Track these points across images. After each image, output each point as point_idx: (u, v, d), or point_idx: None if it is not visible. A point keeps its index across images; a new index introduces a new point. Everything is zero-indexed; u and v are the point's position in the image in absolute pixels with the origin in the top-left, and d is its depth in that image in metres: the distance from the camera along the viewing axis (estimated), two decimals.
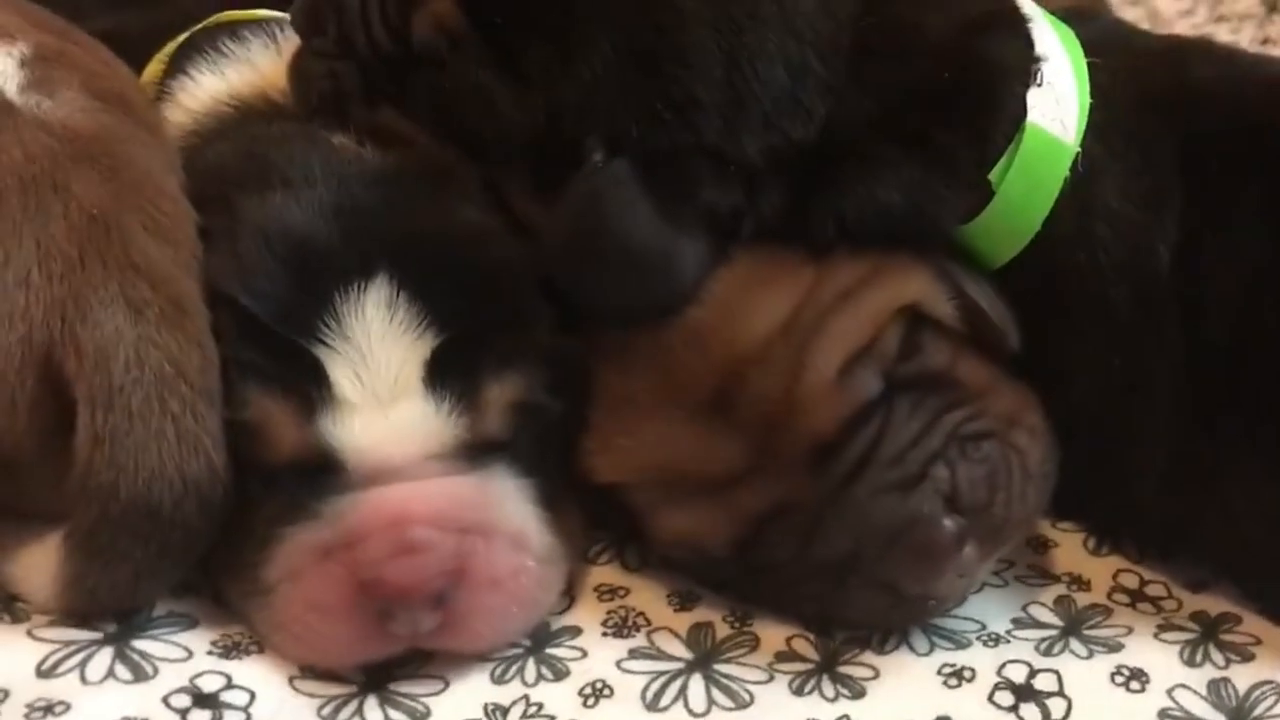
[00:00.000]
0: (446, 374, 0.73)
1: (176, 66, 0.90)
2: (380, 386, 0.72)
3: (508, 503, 0.75)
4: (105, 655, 0.73)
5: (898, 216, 0.77)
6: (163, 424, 0.70)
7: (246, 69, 0.88)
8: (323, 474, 0.72)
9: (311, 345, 0.72)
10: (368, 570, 0.70)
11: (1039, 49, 0.79)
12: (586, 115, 0.75)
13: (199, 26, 0.92)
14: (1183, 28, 1.69)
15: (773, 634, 0.79)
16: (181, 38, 0.92)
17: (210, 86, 0.87)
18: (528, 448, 0.76)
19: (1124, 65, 0.83)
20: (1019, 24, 0.80)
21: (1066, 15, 0.86)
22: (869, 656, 0.77)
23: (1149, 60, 0.84)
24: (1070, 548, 0.86)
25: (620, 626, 0.79)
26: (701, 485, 0.76)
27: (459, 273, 0.75)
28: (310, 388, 0.72)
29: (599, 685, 0.75)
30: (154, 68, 0.92)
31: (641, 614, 0.80)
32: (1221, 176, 0.79)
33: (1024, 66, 0.79)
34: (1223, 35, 1.63)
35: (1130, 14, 1.62)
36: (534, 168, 0.77)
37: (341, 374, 0.72)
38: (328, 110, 0.82)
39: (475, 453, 0.74)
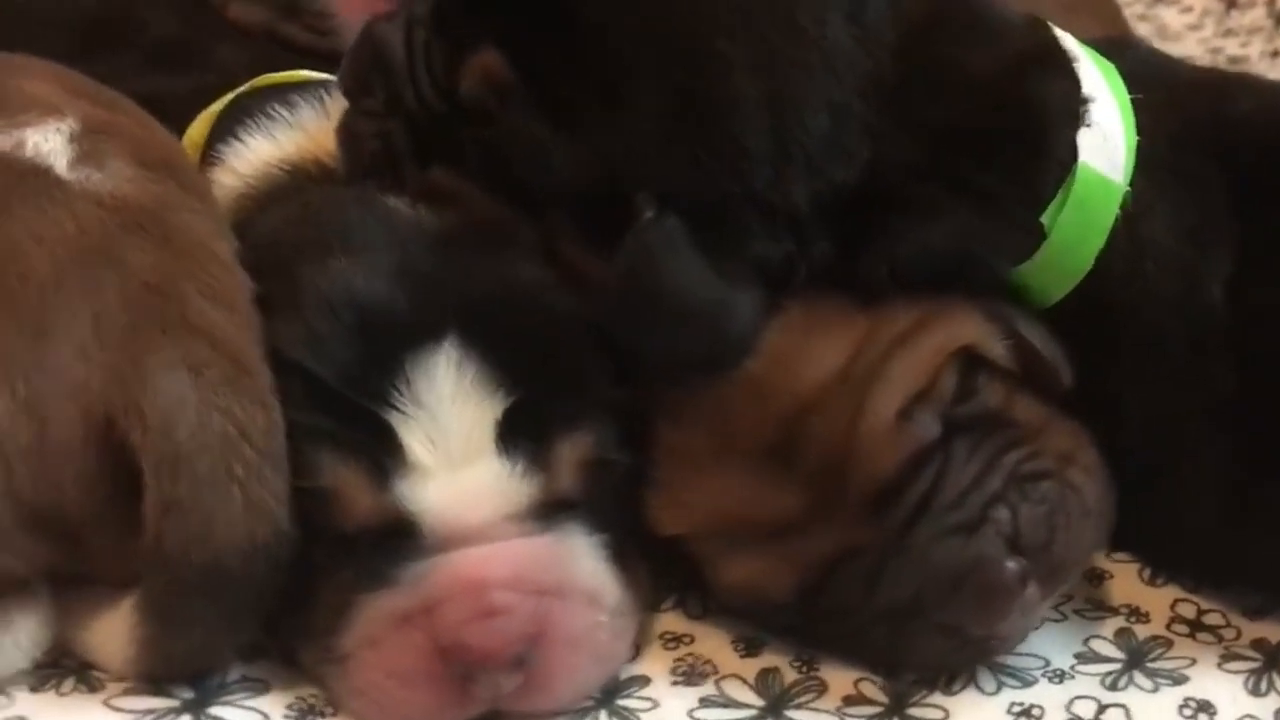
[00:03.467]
0: (517, 434, 0.73)
1: (224, 129, 0.90)
2: (453, 450, 0.73)
3: (581, 560, 0.75)
4: None
5: (950, 261, 0.77)
6: (229, 489, 0.71)
7: (296, 132, 0.88)
8: (398, 539, 0.73)
9: (383, 411, 0.73)
10: (448, 636, 0.71)
11: (1086, 88, 0.80)
12: (635, 166, 0.75)
13: (244, 88, 0.93)
14: (1191, 41, 1.70)
15: (840, 678, 0.79)
16: (227, 99, 0.93)
17: (260, 150, 0.88)
18: (598, 503, 0.77)
19: (1165, 100, 0.84)
20: (1065, 63, 0.81)
21: (1102, 46, 0.87)
22: (938, 698, 0.78)
23: (1190, 94, 0.85)
24: (1126, 578, 0.87)
25: (689, 675, 0.80)
26: (764, 534, 0.77)
27: (524, 332, 0.76)
28: (383, 453, 0.72)
29: None
30: (199, 129, 0.92)
31: (709, 661, 0.81)
32: (1269, 209, 0.80)
33: (1072, 108, 0.79)
34: (1231, 49, 1.65)
35: (1139, 29, 1.64)
36: (586, 220, 0.78)
37: (414, 439, 0.72)
38: (379, 171, 0.82)
39: (548, 511, 0.75)
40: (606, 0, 0.77)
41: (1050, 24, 0.85)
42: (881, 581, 0.75)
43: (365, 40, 0.84)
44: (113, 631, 0.73)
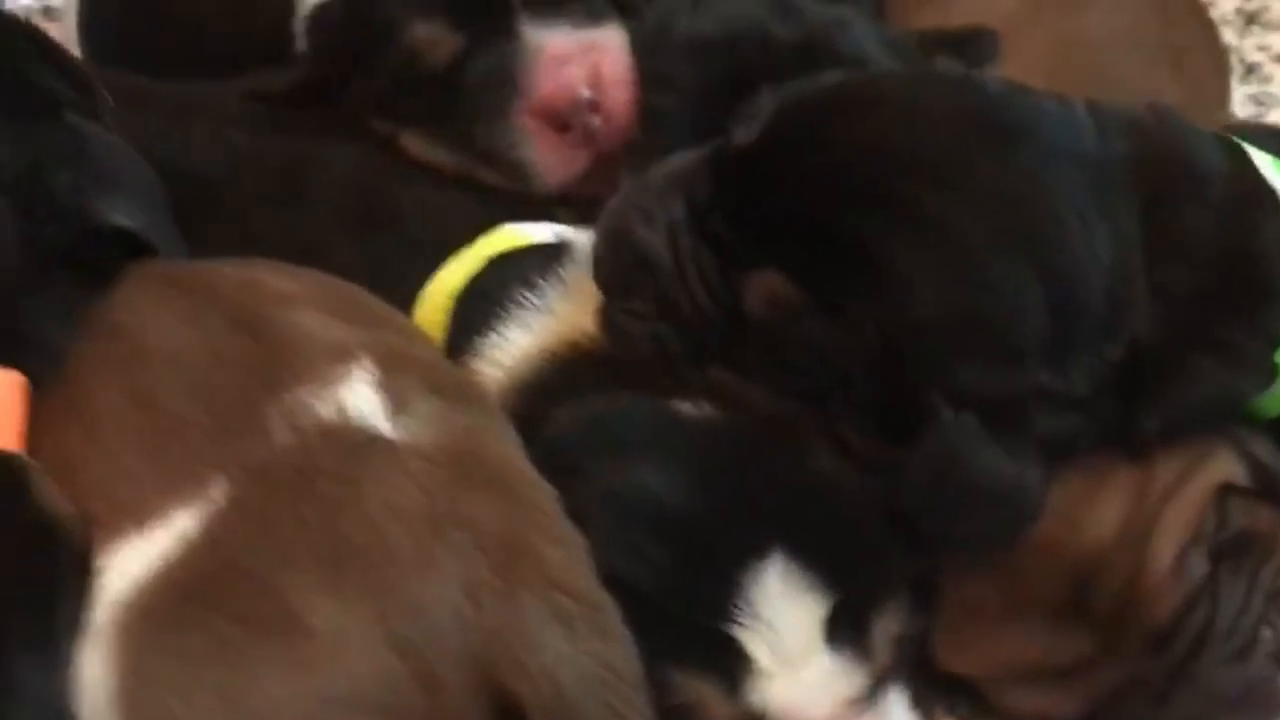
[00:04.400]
0: (842, 627, 0.81)
1: (472, 319, 0.94)
2: (791, 652, 0.80)
3: None
4: None
5: (1208, 412, 0.85)
6: None
7: (547, 318, 0.93)
8: None
9: (725, 625, 0.79)
10: None
11: None
12: (924, 368, 0.81)
13: (474, 265, 0.96)
14: None
15: None
16: (460, 280, 0.96)
17: (516, 340, 0.92)
18: (904, 665, 0.85)
19: None
20: (1272, 199, 0.87)
21: (1258, 136, 0.93)
22: None
23: None
24: None
25: None
26: (1051, 672, 0.86)
27: (833, 526, 0.82)
28: (731, 665, 0.79)
29: None
30: (435, 314, 0.95)
31: None
32: None
33: None
34: None
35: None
36: (872, 413, 0.84)
37: (758, 649, 0.80)
38: (655, 371, 0.87)
39: (872, 688, 0.83)
40: (878, 221, 0.81)
41: (1241, 145, 0.91)
42: (1166, 706, 0.85)
43: (623, 242, 0.88)
44: None
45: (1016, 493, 0.82)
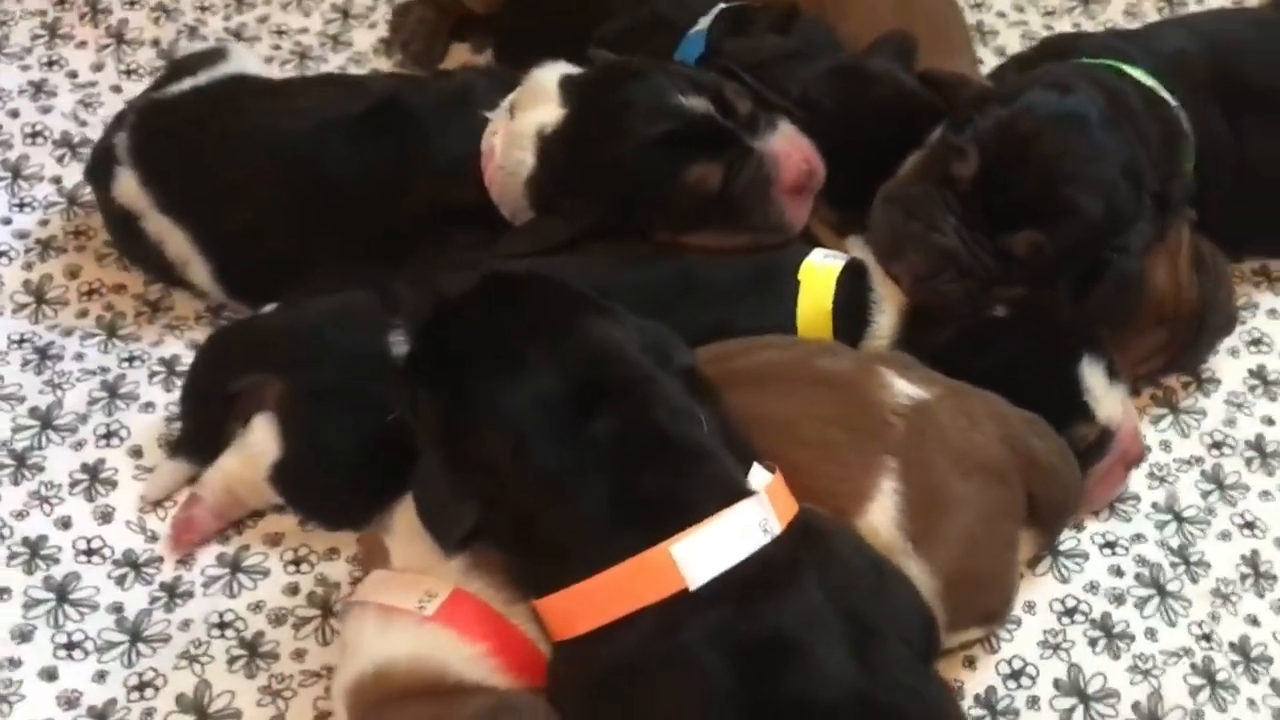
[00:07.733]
0: (1112, 372, 1.66)
1: (855, 320, 1.66)
2: (1101, 393, 1.62)
3: None
4: None
5: (1184, 202, 1.76)
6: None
7: (886, 303, 1.68)
8: (1101, 437, 1.66)
9: (1077, 395, 1.63)
10: (1128, 459, 1.68)
11: (1169, 99, 1.78)
12: (1100, 242, 1.65)
13: (830, 292, 1.67)
14: None
15: None
16: (827, 303, 1.66)
17: (883, 322, 1.67)
18: None
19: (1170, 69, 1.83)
20: (1158, 94, 1.77)
21: (1122, 53, 1.84)
22: None
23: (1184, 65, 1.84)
24: None
25: None
26: (1156, 350, 1.79)
27: (1088, 330, 1.67)
28: (1085, 408, 1.63)
29: None
30: (820, 329, 1.66)
31: None
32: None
33: (1174, 112, 1.77)
34: None
35: None
36: (1074, 278, 1.67)
37: (1090, 398, 1.63)
38: (968, 307, 1.66)
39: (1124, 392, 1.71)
40: (1067, 186, 1.61)
41: (1114, 64, 1.80)
42: (1199, 336, 1.80)
43: (932, 248, 1.63)
44: None
45: (1143, 282, 1.71)
